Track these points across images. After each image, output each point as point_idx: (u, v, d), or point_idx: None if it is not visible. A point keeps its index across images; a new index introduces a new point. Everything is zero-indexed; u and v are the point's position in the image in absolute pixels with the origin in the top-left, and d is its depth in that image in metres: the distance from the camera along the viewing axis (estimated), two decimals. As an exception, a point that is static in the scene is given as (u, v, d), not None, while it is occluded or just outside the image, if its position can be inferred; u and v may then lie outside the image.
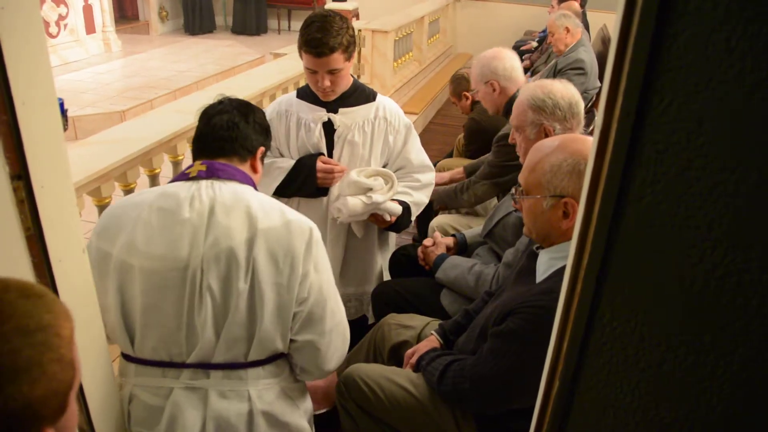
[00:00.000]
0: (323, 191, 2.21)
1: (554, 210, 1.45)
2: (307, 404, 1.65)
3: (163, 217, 1.41)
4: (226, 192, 1.44)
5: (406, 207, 2.26)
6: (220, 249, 1.39)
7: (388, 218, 2.23)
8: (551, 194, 1.45)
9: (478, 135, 3.28)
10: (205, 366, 1.44)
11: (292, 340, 1.52)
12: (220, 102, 1.60)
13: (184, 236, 1.40)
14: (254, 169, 1.59)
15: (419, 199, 2.31)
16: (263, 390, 1.49)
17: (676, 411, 0.80)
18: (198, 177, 1.46)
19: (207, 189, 1.43)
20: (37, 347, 0.74)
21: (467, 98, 3.52)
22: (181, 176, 1.50)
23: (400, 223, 2.27)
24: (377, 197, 2.15)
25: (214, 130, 1.53)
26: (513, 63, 2.65)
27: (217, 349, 1.43)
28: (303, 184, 2.17)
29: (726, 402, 0.77)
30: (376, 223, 2.28)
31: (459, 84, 3.54)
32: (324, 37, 1.95)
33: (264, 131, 1.62)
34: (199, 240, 1.39)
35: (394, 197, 2.24)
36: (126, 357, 1.51)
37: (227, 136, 1.52)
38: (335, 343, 1.55)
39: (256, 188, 1.55)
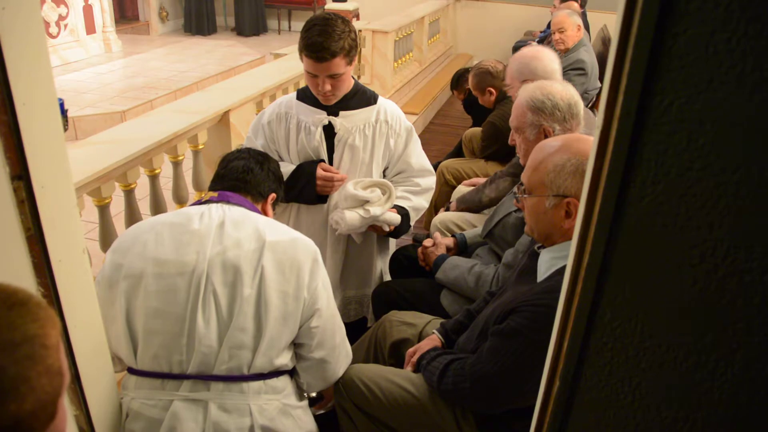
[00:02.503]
0: (323, 198, 2.21)
1: (557, 210, 1.45)
2: (311, 427, 1.63)
3: (173, 229, 1.48)
4: (236, 211, 1.54)
5: (404, 213, 2.24)
6: (227, 257, 1.44)
7: (386, 228, 2.22)
8: (554, 194, 1.45)
9: (496, 139, 3.25)
10: (206, 377, 1.44)
11: (305, 358, 1.57)
12: (239, 150, 1.76)
13: (192, 244, 1.45)
14: (264, 213, 1.68)
15: (419, 203, 2.30)
16: (264, 405, 1.48)
17: (676, 411, 0.80)
18: (210, 201, 1.57)
19: (217, 209, 1.53)
20: (23, 362, 0.71)
21: (492, 93, 3.47)
22: (195, 203, 1.62)
23: (399, 229, 2.26)
24: (375, 210, 2.14)
25: (230, 172, 1.67)
26: (553, 65, 2.57)
27: (218, 358, 1.43)
28: (302, 190, 2.16)
29: (727, 402, 0.77)
30: (376, 231, 2.27)
31: (484, 78, 3.46)
32: (325, 42, 1.91)
33: (277, 180, 1.76)
34: (206, 247, 1.45)
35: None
36: (129, 370, 1.52)
37: (242, 178, 1.65)
38: (341, 356, 1.66)
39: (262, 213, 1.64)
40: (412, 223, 2.32)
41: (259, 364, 1.46)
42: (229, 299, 1.43)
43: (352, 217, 2.12)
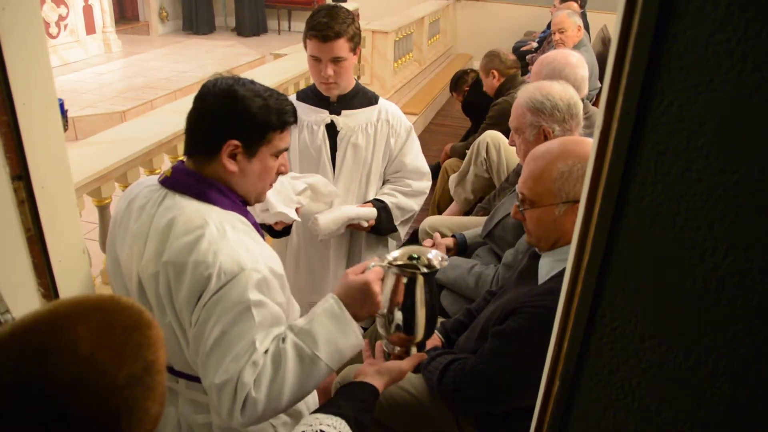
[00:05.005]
0: (287, 230, 2.03)
1: (568, 215, 1.44)
2: (285, 419, 1.50)
3: (124, 222, 1.37)
4: (163, 212, 1.30)
5: (383, 207, 2.19)
6: (143, 277, 1.30)
7: (364, 225, 2.16)
8: (563, 201, 1.44)
9: (503, 120, 3.22)
10: (172, 372, 1.43)
11: None
12: (213, 81, 1.33)
13: (131, 246, 1.33)
14: (226, 168, 1.30)
15: (405, 203, 2.25)
16: None
17: (676, 411, 0.80)
18: (164, 181, 1.35)
19: (153, 206, 1.32)
20: (144, 393, 0.69)
21: (494, 77, 3.44)
22: (161, 174, 1.40)
23: (380, 226, 2.20)
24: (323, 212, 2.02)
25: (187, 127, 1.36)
26: (584, 72, 2.51)
27: (173, 361, 1.39)
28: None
29: (726, 403, 0.77)
30: (356, 229, 2.22)
31: (491, 60, 3.42)
32: (330, 22, 1.96)
33: (226, 121, 1.29)
34: (137, 259, 1.32)
35: (377, 196, 2.21)
36: None
37: (186, 128, 1.33)
38: (222, 402, 1.24)
39: (211, 196, 1.31)
40: (396, 222, 2.25)
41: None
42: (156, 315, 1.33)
43: (325, 221, 2.05)
